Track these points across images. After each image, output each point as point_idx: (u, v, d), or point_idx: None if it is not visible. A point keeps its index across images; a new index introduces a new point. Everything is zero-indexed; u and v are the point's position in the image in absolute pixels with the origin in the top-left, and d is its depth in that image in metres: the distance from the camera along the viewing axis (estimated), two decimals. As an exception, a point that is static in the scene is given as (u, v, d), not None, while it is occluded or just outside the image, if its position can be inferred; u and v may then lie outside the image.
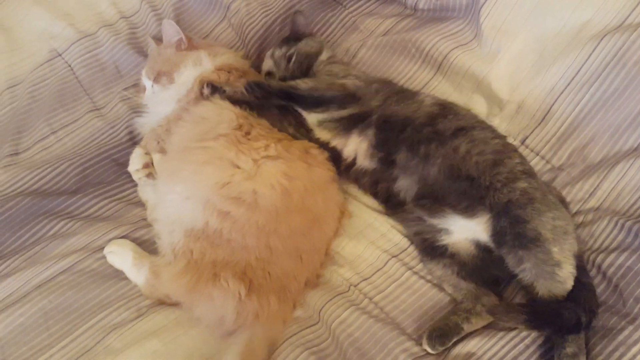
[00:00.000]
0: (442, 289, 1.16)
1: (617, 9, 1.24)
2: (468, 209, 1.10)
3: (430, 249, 1.18)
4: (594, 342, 1.01)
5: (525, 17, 1.29)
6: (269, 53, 1.42)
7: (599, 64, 1.23)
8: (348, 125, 1.25)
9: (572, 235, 1.05)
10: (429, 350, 1.05)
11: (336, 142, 1.27)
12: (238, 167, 1.15)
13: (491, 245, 1.09)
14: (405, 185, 1.19)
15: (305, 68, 1.36)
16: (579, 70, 1.24)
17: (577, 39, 1.26)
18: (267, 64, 1.42)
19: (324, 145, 1.27)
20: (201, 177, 1.15)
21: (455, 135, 1.14)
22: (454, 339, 1.06)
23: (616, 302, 1.06)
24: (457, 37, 1.41)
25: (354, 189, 1.33)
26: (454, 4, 1.41)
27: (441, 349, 1.05)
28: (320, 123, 1.27)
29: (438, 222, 1.15)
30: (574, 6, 1.26)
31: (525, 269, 1.03)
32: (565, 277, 1.02)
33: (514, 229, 1.03)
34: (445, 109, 1.21)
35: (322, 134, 1.27)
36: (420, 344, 1.07)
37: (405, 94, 1.27)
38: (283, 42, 1.42)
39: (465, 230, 1.13)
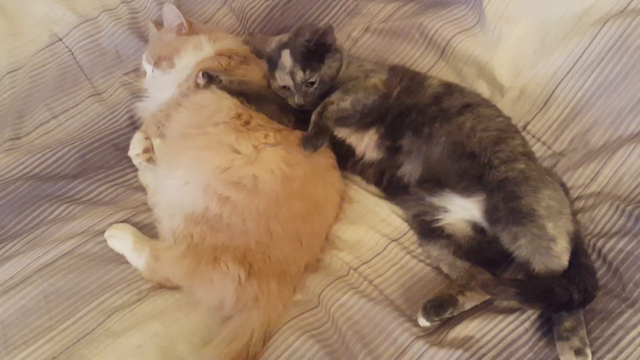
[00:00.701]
0: (440, 272, 1.16)
1: (619, -6, 1.23)
2: (466, 189, 1.11)
3: (428, 230, 1.18)
4: (594, 325, 1.01)
5: (528, 3, 1.29)
6: (286, 65, 1.24)
7: (601, 49, 1.22)
8: (368, 122, 1.24)
9: (567, 216, 1.05)
10: (424, 322, 1.05)
11: (352, 139, 1.26)
12: (238, 152, 1.15)
13: (485, 224, 1.10)
14: (409, 169, 1.19)
15: (327, 89, 1.29)
16: (580, 56, 1.24)
17: (579, 24, 1.25)
18: (284, 80, 1.26)
19: (339, 143, 1.27)
20: (201, 162, 1.15)
21: (461, 112, 1.15)
22: (449, 310, 1.05)
23: (616, 286, 1.06)
24: (460, 23, 1.41)
25: (356, 177, 1.33)
26: (456, -12, 1.41)
27: (436, 319, 1.05)
28: (338, 121, 1.24)
29: (437, 200, 1.16)
30: (577, -9, 1.26)
31: (521, 246, 1.03)
32: (561, 251, 1.02)
33: (507, 204, 1.04)
34: (451, 87, 1.22)
35: (340, 132, 1.26)
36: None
37: (416, 80, 1.25)
38: (305, 60, 1.23)
39: (462, 210, 1.13)
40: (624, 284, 1.05)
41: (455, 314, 1.06)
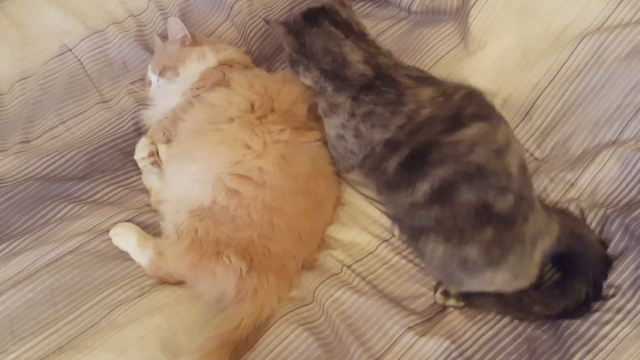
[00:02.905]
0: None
1: (596, 13, 1.31)
2: None
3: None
4: (570, 322, 1.07)
5: (512, 20, 1.36)
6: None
7: (579, 63, 1.29)
8: None
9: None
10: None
11: None
12: (250, 148, 1.20)
13: None
14: None
15: None
16: (560, 69, 1.31)
17: (559, 39, 1.33)
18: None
19: None
20: (216, 156, 1.20)
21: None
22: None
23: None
24: (446, 42, 1.47)
25: (350, 179, 1.38)
26: (444, 7, 1.49)
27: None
28: None
29: None
30: (557, 10, 1.33)
31: None
32: None
33: None
34: None
35: None
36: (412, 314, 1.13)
37: None
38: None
39: None
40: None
41: None
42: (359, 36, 1.16)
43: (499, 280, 1.07)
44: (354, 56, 1.13)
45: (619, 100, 1.25)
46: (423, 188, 1.05)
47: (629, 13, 1.30)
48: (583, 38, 1.29)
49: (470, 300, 1.14)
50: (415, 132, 1.07)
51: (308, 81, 1.20)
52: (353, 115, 1.14)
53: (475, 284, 1.10)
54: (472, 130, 1.04)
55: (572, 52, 1.30)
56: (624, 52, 1.27)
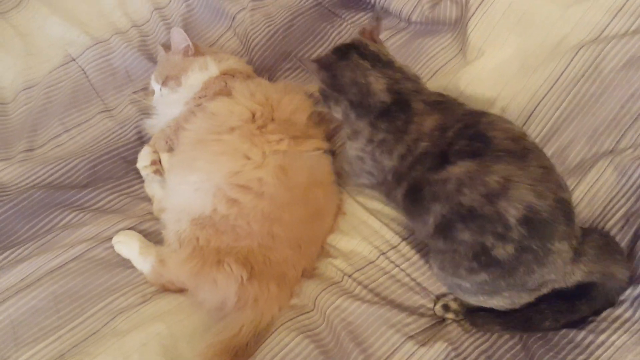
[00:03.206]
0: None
1: (594, 23, 1.33)
2: None
3: None
4: (566, 331, 1.07)
5: (510, 30, 1.38)
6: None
7: (577, 73, 1.31)
8: None
9: None
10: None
11: None
12: (249, 158, 1.22)
13: None
14: None
15: None
16: (558, 78, 1.32)
17: (557, 49, 1.34)
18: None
19: None
20: (216, 166, 1.22)
21: None
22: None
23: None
24: (445, 53, 1.48)
25: (350, 190, 1.39)
26: (444, 18, 1.50)
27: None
28: None
29: None
30: (555, 20, 1.35)
31: None
32: None
33: None
34: None
35: None
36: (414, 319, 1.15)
37: None
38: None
39: None
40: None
41: None
42: (386, 64, 1.17)
43: (493, 303, 1.08)
44: (378, 85, 1.14)
45: (617, 109, 1.26)
46: (429, 221, 1.07)
47: (626, 23, 1.32)
48: (581, 48, 1.31)
49: (473, 320, 1.15)
50: (412, 165, 1.09)
51: (338, 114, 1.22)
52: (371, 141, 1.15)
53: (472, 301, 1.12)
54: (458, 169, 1.02)
55: (570, 62, 1.31)
56: (621, 62, 1.29)
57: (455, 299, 1.18)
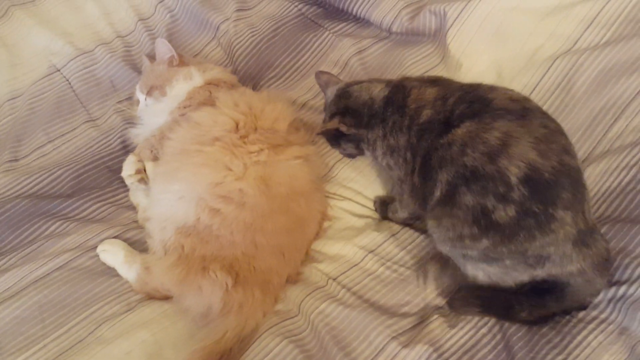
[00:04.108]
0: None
1: (567, 35, 1.38)
2: None
3: None
4: (546, 331, 1.10)
5: (487, 42, 1.42)
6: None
7: (551, 84, 1.36)
8: None
9: None
10: None
11: None
12: (230, 170, 1.23)
13: None
14: None
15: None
16: (533, 89, 1.37)
17: (532, 61, 1.39)
18: None
19: None
20: (198, 177, 1.23)
21: None
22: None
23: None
24: (426, 61, 1.53)
25: (335, 196, 1.42)
26: (423, 29, 1.54)
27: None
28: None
29: None
30: (529, 32, 1.40)
31: None
32: None
33: None
34: None
35: None
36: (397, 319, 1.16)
37: None
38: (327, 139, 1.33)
39: None
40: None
41: None
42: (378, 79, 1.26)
43: (492, 272, 1.09)
44: (376, 88, 1.22)
45: (589, 120, 1.31)
46: (437, 193, 1.08)
47: (598, 35, 1.37)
48: (556, 59, 1.36)
49: (452, 303, 1.17)
50: (421, 134, 1.11)
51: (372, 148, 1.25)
52: (385, 136, 1.19)
53: (474, 273, 1.12)
54: (461, 130, 1.03)
55: (545, 73, 1.36)
56: (594, 73, 1.34)
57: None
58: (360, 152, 1.30)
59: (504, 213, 0.99)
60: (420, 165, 1.12)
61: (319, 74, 1.37)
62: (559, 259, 1.02)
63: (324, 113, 1.33)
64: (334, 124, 1.23)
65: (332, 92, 1.30)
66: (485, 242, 1.03)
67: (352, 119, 1.22)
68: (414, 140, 1.13)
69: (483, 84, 1.13)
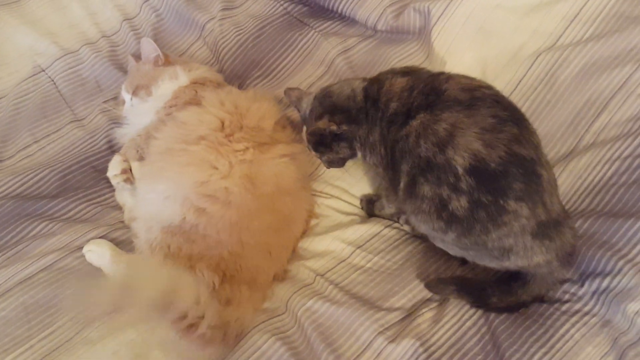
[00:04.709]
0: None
1: (549, 32, 1.40)
2: None
3: None
4: (529, 324, 1.12)
5: (471, 38, 1.44)
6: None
7: (534, 80, 1.37)
8: None
9: None
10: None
11: None
12: (216, 169, 1.23)
13: None
14: None
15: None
16: (517, 86, 1.38)
17: (515, 58, 1.40)
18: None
19: None
20: (183, 176, 1.23)
21: None
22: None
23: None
24: (412, 59, 1.54)
25: (322, 194, 1.43)
26: (408, 27, 1.55)
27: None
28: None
29: None
30: (512, 30, 1.41)
31: None
32: None
33: None
34: None
35: None
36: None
37: None
38: (313, 145, 1.26)
39: None
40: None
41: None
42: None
43: (469, 256, 1.14)
44: (356, 82, 1.23)
45: (572, 116, 1.33)
46: (402, 186, 1.10)
47: (580, 32, 1.39)
48: (538, 56, 1.37)
49: (429, 284, 1.20)
50: (388, 127, 1.12)
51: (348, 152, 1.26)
52: (368, 133, 1.19)
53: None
54: (416, 122, 1.05)
55: (528, 70, 1.38)
56: (576, 69, 1.36)
57: None
58: (354, 154, 1.26)
59: (458, 204, 1.00)
60: (389, 158, 1.14)
61: (289, 91, 1.36)
62: (522, 252, 1.03)
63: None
64: (324, 123, 1.20)
65: (308, 101, 1.29)
66: (451, 235, 1.06)
67: (342, 115, 1.20)
68: (385, 132, 1.14)
69: (445, 73, 1.13)
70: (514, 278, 1.12)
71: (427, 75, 1.15)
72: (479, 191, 0.98)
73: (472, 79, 1.12)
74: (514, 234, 1.01)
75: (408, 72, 1.19)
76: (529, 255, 1.04)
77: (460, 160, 0.98)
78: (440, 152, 1.01)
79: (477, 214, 1.00)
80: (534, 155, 1.01)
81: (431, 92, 1.08)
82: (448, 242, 1.11)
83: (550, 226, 1.02)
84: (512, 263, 1.06)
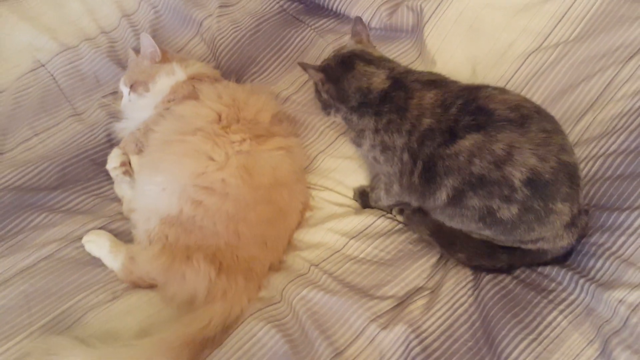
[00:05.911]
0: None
1: (538, 30, 1.43)
2: None
3: None
4: (517, 312, 1.15)
5: (462, 37, 1.47)
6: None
7: (523, 79, 1.41)
8: None
9: None
10: None
11: None
12: (213, 160, 1.25)
13: None
14: None
15: None
16: (506, 85, 1.41)
17: (505, 56, 1.44)
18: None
19: None
20: (180, 167, 1.25)
21: None
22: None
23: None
24: (405, 56, 1.57)
25: (317, 186, 1.45)
26: (401, 25, 1.58)
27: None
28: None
29: None
30: (501, 29, 1.44)
31: None
32: None
33: None
34: None
35: None
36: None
37: None
38: None
39: None
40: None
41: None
42: (385, 60, 1.29)
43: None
44: (379, 79, 1.24)
45: (559, 114, 1.36)
46: (442, 196, 1.16)
47: (568, 30, 1.43)
48: (528, 56, 1.40)
49: (409, 217, 1.31)
50: (422, 141, 1.17)
51: (338, 119, 1.34)
52: (377, 131, 1.24)
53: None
54: (468, 142, 1.11)
55: (518, 69, 1.41)
56: (563, 69, 1.39)
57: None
58: (327, 113, 1.33)
59: (508, 212, 1.11)
60: (422, 169, 1.19)
61: (357, 20, 1.36)
62: (552, 239, 1.15)
63: (307, 106, 1.36)
64: (316, 78, 1.28)
65: (348, 45, 1.33)
66: (488, 232, 1.18)
67: (335, 91, 1.27)
68: (414, 144, 1.19)
69: (481, 89, 1.18)
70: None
71: (457, 88, 1.20)
72: (533, 199, 1.09)
73: (508, 93, 1.18)
74: (553, 229, 1.13)
75: (433, 81, 1.23)
76: (557, 241, 1.16)
77: (518, 175, 1.07)
78: (497, 169, 1.09)
79: (525, 217, 1.11)
80: (575, 159, 1.14)
81: (478, 111, 1.13)
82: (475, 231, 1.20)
83: (577, 216, 1.14)
84: (536, 246, 1.18)
